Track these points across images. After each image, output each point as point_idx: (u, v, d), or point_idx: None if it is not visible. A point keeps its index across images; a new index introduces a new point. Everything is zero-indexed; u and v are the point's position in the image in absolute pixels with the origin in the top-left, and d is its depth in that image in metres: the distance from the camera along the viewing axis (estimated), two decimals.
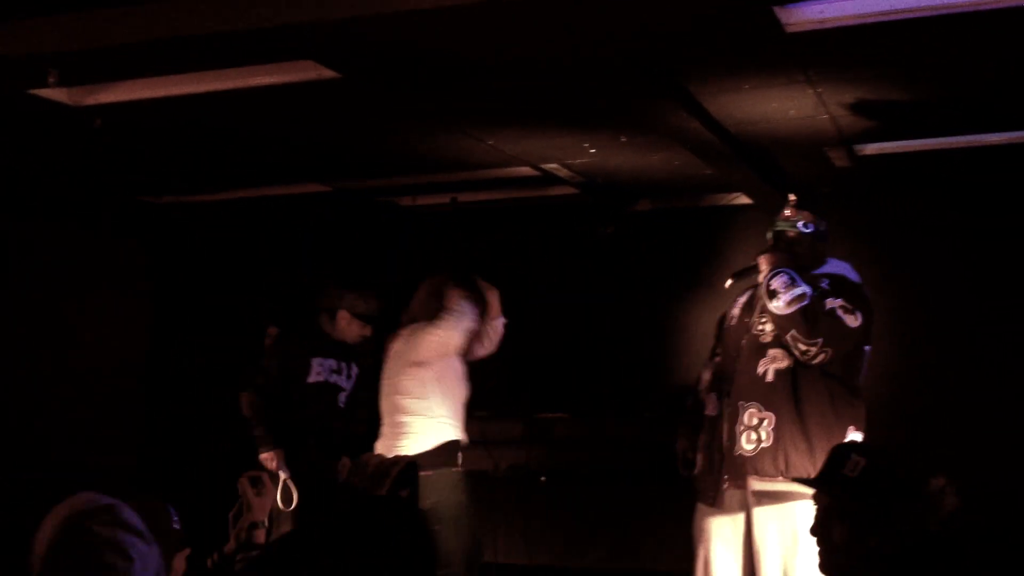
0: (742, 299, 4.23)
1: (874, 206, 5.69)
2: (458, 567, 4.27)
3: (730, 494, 3.96)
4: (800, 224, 4.12)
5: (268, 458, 4.99)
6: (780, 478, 3.81)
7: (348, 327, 5.19)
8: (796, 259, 4.04)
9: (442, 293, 4.63)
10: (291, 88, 4.08)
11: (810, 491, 2.81)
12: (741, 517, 3.95)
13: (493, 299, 4.77)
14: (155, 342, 6.99)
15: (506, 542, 5.84)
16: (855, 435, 3.90)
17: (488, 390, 5.09)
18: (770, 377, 3.93)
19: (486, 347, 4.81)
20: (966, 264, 5.49)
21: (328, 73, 3.91)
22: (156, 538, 2.09)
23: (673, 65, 3.90)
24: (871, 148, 5.01)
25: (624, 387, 6.09)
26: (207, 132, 4.91)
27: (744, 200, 5.87)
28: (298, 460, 5.05)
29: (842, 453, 2.78)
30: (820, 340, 3.80)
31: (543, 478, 5.93)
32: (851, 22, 3.38)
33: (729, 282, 4.21)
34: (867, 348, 4.00)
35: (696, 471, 4.13)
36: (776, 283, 3.90)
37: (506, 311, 4.85)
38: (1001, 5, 3.25)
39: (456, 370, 4.63)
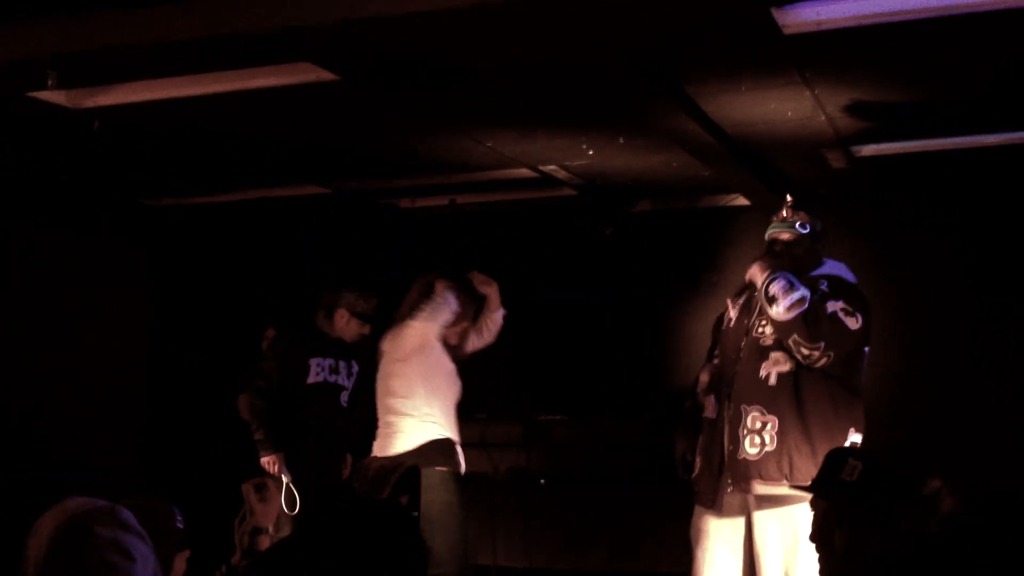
0: (740, 300, 4.21)
1: (871, 207, 5.69)
2: (445, 567, 4.24)
3: (730, 497, 3.95)
4: (797, 225, 4.12)
5: (270, 462, 4.97)
6: (784, 482, 3.79)
7: (347, 326, 5.18)
8: (794, 261, 4.04)
9: (432, 290, 4.62)
10: (290, 90, 4.08)
11: (809, 496, 2.81)
12: (741, 520, 3.95)
13: (492, 292, 4.75)
14: (155, 343, 6.99)
15: (505, 544, 5.83)
16: (855, 436, 3.90)
17: (487, 392, 5.09)
18: (772, 380, 3.91)
19: (484, 338, 4.78)
20: (964, 265, 5.50)
21: (327, 75, 3.91)
22: (154, 539, 2.10)
23: (671, 66, 3.91)
24: (868, 149, 5.01)
25: (623, 388, 6.08)
26: (206, 134, 4.91)
27: (742, 201, 5.87)
28: (299, 462, 5.03)
29: (839, 457, 2.77)
30: (822, 344, 3.79)
31: (543, 480, 5.93)
32: (848, 24, 3.39)
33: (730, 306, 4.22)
34: (867, 349, 4.00)
35: (695, 473, 4.12)
36: (775, 288, 3.88)
37: (505, 312, 4.85)
38: (998, 7, 3.26)
39: (444, 368, 4.57)
